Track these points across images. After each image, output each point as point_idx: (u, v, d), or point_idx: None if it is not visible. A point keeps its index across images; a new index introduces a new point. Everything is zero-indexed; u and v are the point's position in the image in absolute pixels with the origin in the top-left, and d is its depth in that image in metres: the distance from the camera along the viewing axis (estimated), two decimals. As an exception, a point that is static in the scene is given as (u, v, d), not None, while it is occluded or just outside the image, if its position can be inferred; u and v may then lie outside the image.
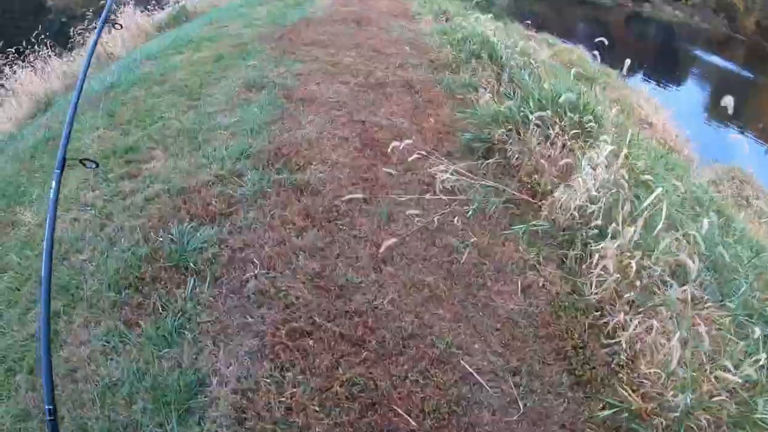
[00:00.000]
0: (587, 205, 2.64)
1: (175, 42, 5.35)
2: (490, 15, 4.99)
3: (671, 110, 6.38)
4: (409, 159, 2.71)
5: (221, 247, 2.36)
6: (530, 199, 3.03)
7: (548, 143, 3.23)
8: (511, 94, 4.13)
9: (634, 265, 2.19)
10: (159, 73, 4.41)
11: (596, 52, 3.53)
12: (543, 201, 3.00)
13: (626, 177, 2.56)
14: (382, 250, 2.32)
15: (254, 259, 2.29)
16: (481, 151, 3.33)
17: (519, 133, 3.41)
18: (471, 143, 3.37)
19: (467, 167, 3.10)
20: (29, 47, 5.76)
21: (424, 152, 2.81)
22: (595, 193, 2.62)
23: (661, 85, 10.70)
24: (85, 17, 6.63)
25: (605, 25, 14.18)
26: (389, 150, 2.83)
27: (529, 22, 6.86)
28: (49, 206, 0.92)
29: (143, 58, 4.95)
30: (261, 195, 2.64)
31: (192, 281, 2.20)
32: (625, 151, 2.63)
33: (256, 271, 2.22)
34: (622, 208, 2.49)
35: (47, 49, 5.79)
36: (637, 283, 2.23)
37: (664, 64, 11.87)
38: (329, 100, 3.69)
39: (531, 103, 3.38)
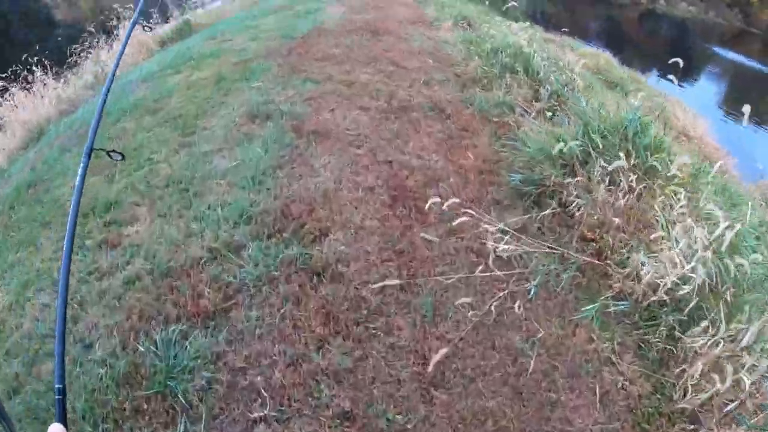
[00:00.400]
0: (678, 284, 1.87)
1: (175, 60, 4.51)
2: (526, 23, 4.06)
3: (708, 120, 5.42)
4: (454, 223, 1.93)
5: (217, 365, 1.61)
6: (595, 261, 2.24)
7: (614, 186, 2.38)
8: (558, 118, 3.27)
9: (746, 380, 1.50)
10: (153, 99, 3.60)
11: (673, 77, 2.64)
12: (608, 261, 2.24)
13: (735, 262, 1.78)
14: (430, 368, 1.55)
15: (262, 389, 1.53)
16: (533, 196, 2.50)
17: (575, 172, 2.57)
18: (520, 187, 2.54)
19: (520, 223, 2.31)
20: (27, 68, 4.97)
21: (471, 212, 2.01)
22: (690, 274, 1.84)
23: (676, 82, 9.58)
24: (81, 37, 5.78)
25: (619, 24, 12.93)
26: (427, 207, 2.04)
27: (567, 29, 5.85)
28: (74, 195, 0.91)
29: (139, 80, 4.14)
30: (266, 280, 1.86)
31: (183, 422, 1.46)
32: (737, 228, 1.81)
33: (265, 412, 1.46)
34: (721, 290, 1.76)
35: (44, 72, 4.98)
36: (741, 395, 1.57)
37: (679, 60, 10.65)
38: (347, 132, 2.86)
39: (594, 137, 2.51)
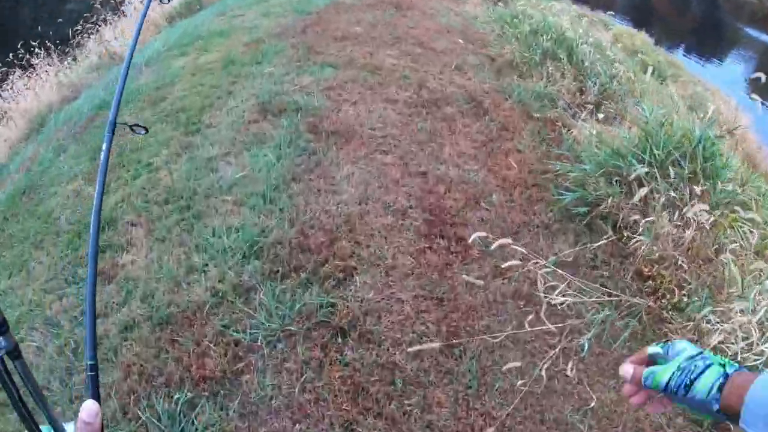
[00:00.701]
0: (746, 350, 1.45)
1: (182, 39, 3.94)
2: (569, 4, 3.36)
3: (750, 115, 4.64)
4: (503, 265, 1.47)
5: (227, 448, 1.24)
6: (652, 305, 1.81)
7: (678, 218, 1.89)
8: (606, 116, 2.70)
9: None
10: (155, 86, 3.10)
11: (756, 98, 2.05)
12: (664, 301, 1.82)
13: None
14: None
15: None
16: (585, 218, 2.02)
17: (632, 191, 2.06)
18: (571, 207, 2.05)
19: (571, 255, 1.86)
20: (29, 50, 4.42)
21: (520, 248, 1.55)
22: (764, 348, 1.42)
23: (702, 60, 8.58)
24: (83, 16, 5.13)
25: None
26: (470, 240, 1.59)
27: (613, 13, 4.97)
28: (98, 175, 0.85)
29: (142, 63, 3.60)
30: (282, 336, 1.46)
31: None
32: None
33: None
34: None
35: (48, 53, 4.43)
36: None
37: (706, 38, 9.49)
38: (372, 133, 2.35)
39: (658, 154, 1.98)
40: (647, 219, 1.76)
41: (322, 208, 1.85)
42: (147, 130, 1.13)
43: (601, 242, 1.94)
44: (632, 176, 1.86)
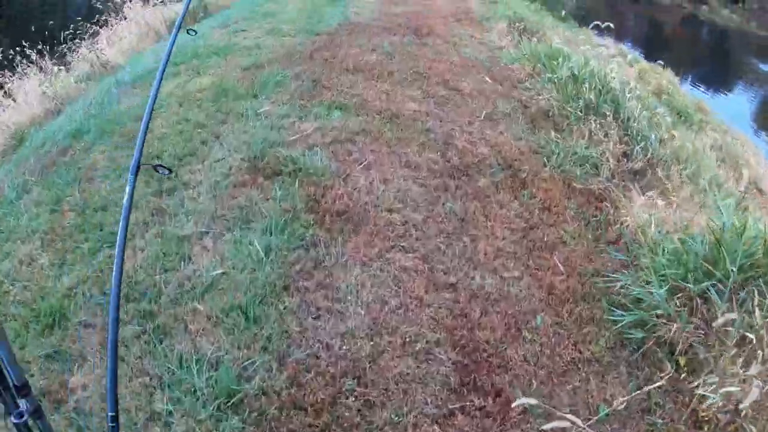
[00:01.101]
0: None
1: (176, 54, 3.35)
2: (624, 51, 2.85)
3: None
4: None
5: None
6: None
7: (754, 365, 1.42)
8: (659, 190, 2.22)
9: None
10: (135, 117, 2.57)
11: None
12: None
13: None
14: None
15: None
16: (641, 345, 1.57)
17: (693, 308, 1.61)
18: (626, 331, 1.58)
19: (624, 402, 1.41)
20: (21, 53, 3.84)
21: (574, 420, 1.09)
22: None
23: (710, 92, 8.06)
24: (74, 20, 4.50)
25: (659, 25, 10.84)
26: (513, 405, 1.13)
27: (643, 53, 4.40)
28: (122, 215, 0.81)
29: (129, 83, 3.04)
30: None
31: None
32: None
33: None
34: None
35: (41, 57, 3.86)
36: None
37: (717, 70, 8.94)
38: (389, 217, 1.84)
39: (730, 271, 1.51)
40: (717, 370, 1.29)
41: (322, 340, 1.34)
42: (171, 171, 1.05)
43: (661, 381, 1.48)
44: (718, 322, 1.38)
